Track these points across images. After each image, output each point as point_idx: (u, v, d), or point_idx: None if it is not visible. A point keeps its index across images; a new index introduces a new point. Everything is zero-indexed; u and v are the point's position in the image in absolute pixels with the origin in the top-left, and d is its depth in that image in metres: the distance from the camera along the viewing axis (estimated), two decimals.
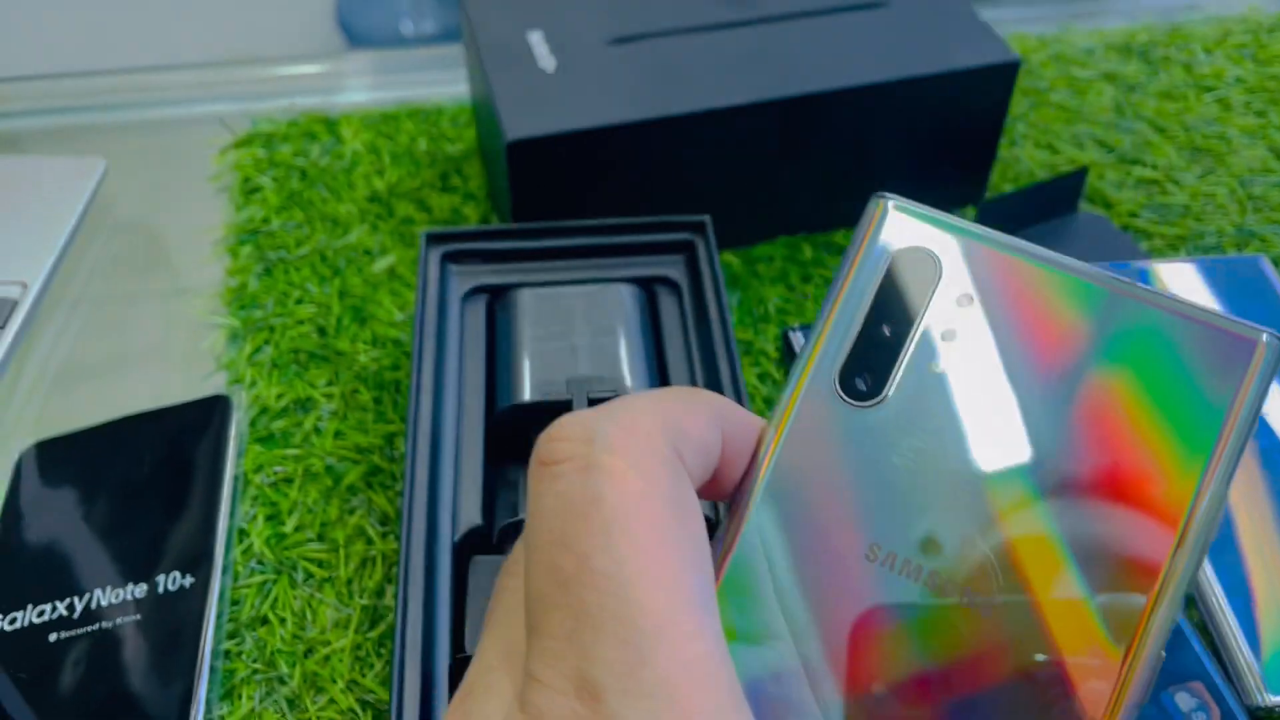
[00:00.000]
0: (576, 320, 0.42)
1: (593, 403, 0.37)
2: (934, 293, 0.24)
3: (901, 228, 0.25)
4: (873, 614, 0.23)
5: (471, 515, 0.38)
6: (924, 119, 0.52)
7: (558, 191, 0.49)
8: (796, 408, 0.24)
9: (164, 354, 0.51)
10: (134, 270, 0.55)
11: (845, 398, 0.24)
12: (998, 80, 0.51)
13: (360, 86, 0.65)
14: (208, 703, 0.36)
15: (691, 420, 0.23)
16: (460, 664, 0.34)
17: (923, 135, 0.52)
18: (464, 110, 0.61)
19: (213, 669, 0.37)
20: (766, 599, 0.23)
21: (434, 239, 0.45)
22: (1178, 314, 0.23)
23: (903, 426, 0.23)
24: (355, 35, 1.90)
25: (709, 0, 0.54)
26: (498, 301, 0.44)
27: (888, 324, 0.24)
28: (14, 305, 0.50)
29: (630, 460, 0.21)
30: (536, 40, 0.52)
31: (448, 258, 0.45)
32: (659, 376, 0.42)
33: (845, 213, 0.55)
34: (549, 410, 0.37)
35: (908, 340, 0.24)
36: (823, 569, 0.23)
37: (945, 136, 0.53)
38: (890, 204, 0.26)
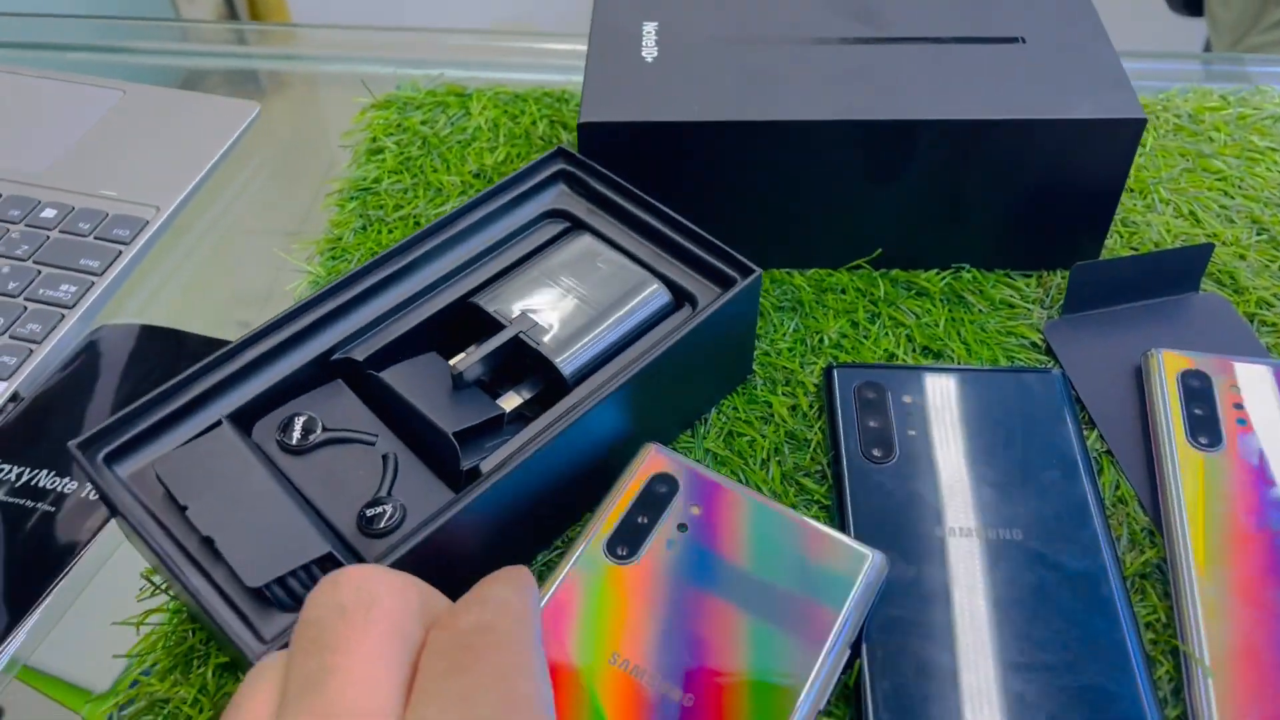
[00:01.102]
0: (593, 278, 0.44)
1: (516, 345, 0.42)
2: (674, 499, 0.40)
3: (658, 459, 0.41)
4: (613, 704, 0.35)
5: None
6: (1029, 166, 0.48)
7: (626, 178, 0.49)
8: (574, 560, 0.38)
9: (255, 291, 0.55)
10: (259, 210, 0.59)
11: (609, 558, 0.38)
12: (1118, 137, 0.47)
13: (511, 65, 0.67)
14: None
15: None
16: None
17: (1026, 183, 0.49)
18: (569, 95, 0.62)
19: None
20: None
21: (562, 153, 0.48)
22: (810, 529, 0.39)
23: (646, 579, 0.38)
24: None
25: (838, 15, 0.53)
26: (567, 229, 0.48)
27: (643, 515, 0.39)
28: (144, 225, 0.56)
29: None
30: (649, 30, 0.52)
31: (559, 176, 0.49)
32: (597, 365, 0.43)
33: (935, 253, 0.52)
34: (492, 323, 0.43)
35: (655, 526, 0.39)
36: (574, 668, 0.36)
37: (1052, 188, 0.49)
38: (653, 447, 0.41)
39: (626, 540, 0.38)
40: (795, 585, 0.37)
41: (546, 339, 0.41)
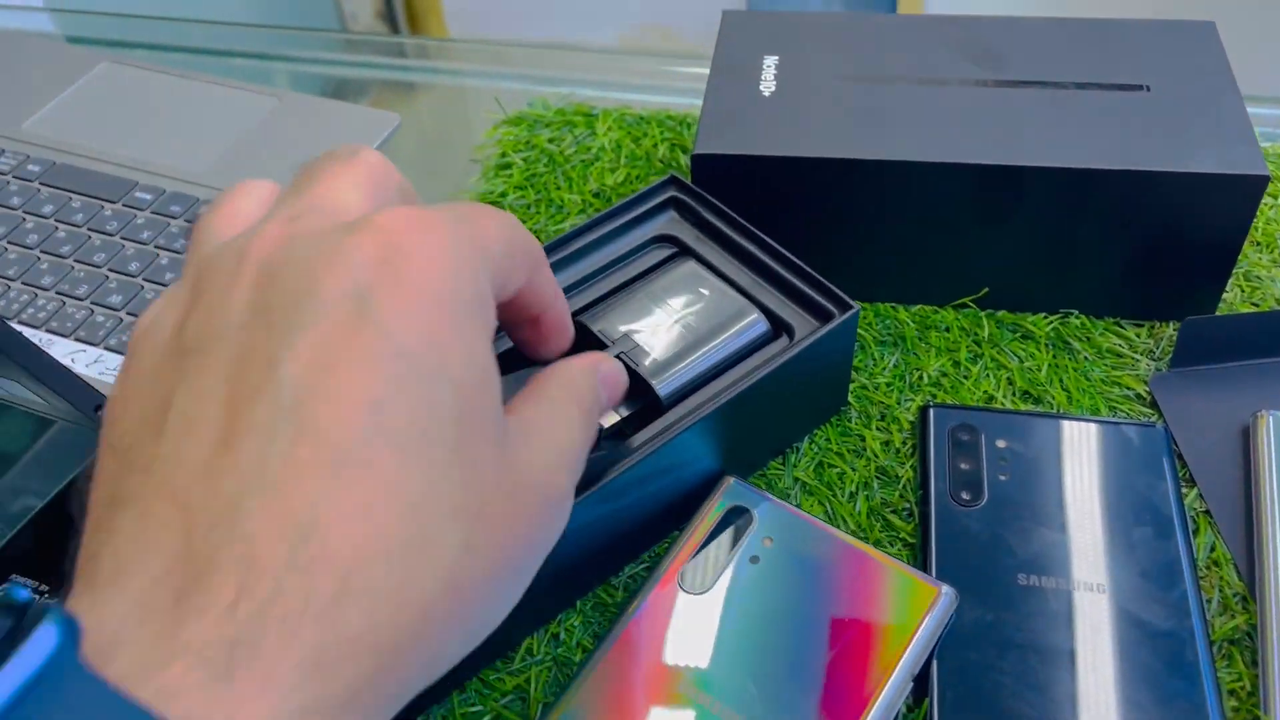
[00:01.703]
0: (695, 304, 0.45)
1: (627, 363, 0.43)
2: (748, 531, 0.42)
3: (735, 491, 0.43)
4: None
5: None
6: (1145, 216, 0.47)
7: (735, 209, 0.50)
8: (650, 590, 0.40)
9: None
10: None
11: (684, 588, 0.40)
12: (1239, 192, 0.46)
13: (638, 86, 0.70)
14: None
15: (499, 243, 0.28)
16: None
17: (1141, 232, 0.48)
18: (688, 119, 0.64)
19: None
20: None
21: (674, 181, 0.50)
22: (879, 561, 0.40)
23: (719, 610, 0.39)
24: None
25: (957, 54, 0.53)
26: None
27: (718, 546, 0.41)
28: None
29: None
30: (769, 64, 0.53)
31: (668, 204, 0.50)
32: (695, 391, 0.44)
33: (1044, 297, 0.52)
34: (597, 342, 0.44)
35: (729, 558, 0.41)
36: (648, 697, 0.38)
37: (1169, 239, 0.48)
38: (731, 479, 0.43)
39: (701, 571, 0.40)
40: (863, 616, 0.38)
41: (646, 361, 0.43)
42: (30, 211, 0.61)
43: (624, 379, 0.36)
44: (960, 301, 0.52)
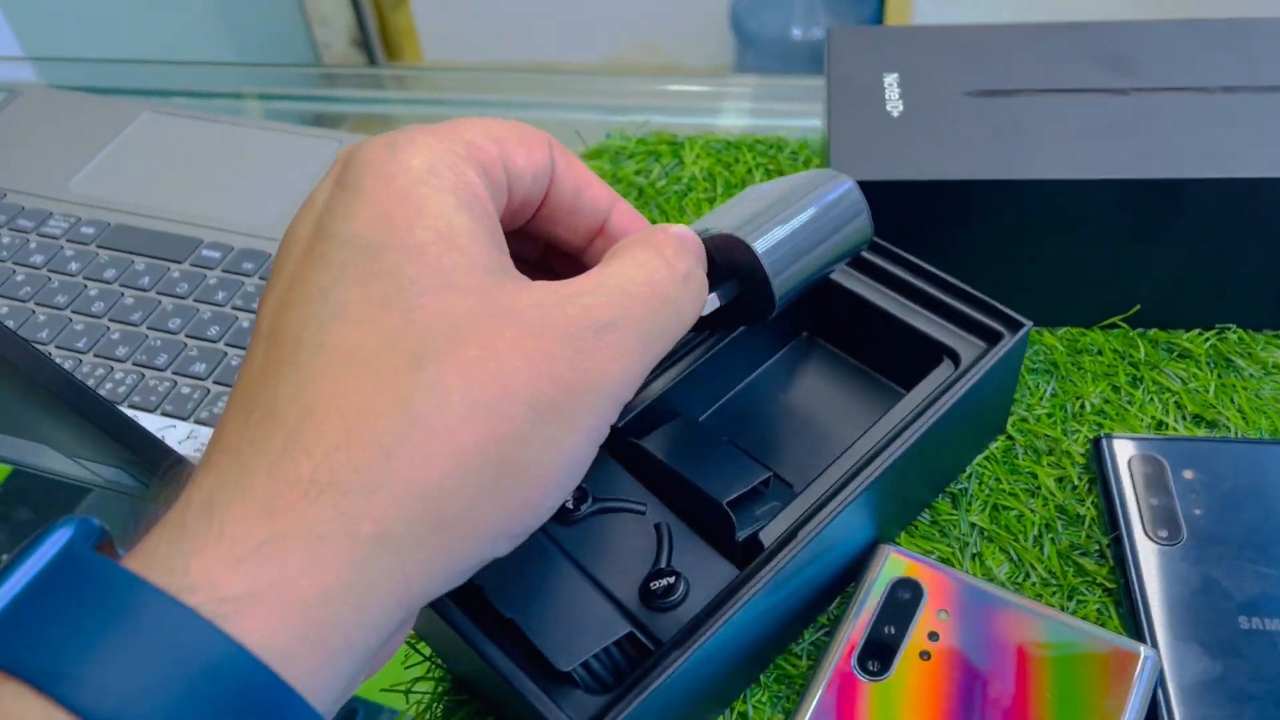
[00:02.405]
0: (766, 190, 0.37)
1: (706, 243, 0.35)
2: (920, 605, 0.39)
3: (897, 561, 0.40)
4: None
5: None
6: None
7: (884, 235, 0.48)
8: (827, 678, 0.38)
9: None
10: None
11: (862, 674, 0.37)
12: None
13: (713, 110, 0.67)
14: None
15: (515, 149, 0.29)
16: None
17: None
18: (804, 146, 0.61)
19: None
20: None
21: None
22: (1072, 627, 0.37)
23: (905, 695, 0.37)
24: (746, 36, 1.95)
25: (1087, 62, 0.50)
26: None
27: (890, 625, 0.38)
28: None
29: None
30: (890, 83, 0.50)
31: None
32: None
33: (1198, 312, 0.49)
34: None
35: (905, 637, 0.38)
36: None
37: None
38: (888, 549, 0.40)
39: (877, 654, 0.38)
40: (1064, 687, 0.36)
41: (725, 228, 0.35)
42: (92, 278, 0.57)
43: (696, 239, 0.33)
44: (1108, 322, 0.50)
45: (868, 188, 0.46)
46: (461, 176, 0.27)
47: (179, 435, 0.49)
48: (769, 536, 0.38)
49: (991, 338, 0.42)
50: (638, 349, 0.27)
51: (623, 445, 0.42)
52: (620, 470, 0.42)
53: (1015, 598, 0.38)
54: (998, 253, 0.48)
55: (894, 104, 0.49)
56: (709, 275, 0.34)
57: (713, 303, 0.34)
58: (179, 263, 0.58)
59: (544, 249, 0.36)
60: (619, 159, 0.62)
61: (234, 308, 0.55)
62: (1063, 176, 0.45)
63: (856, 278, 0.45)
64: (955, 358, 0.42)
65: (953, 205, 0.46)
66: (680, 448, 0.42)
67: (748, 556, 0.39)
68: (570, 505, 0.40)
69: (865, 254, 0.45)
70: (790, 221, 0.35)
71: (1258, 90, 0.48)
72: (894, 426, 0.40)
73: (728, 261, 0.35)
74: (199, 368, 0.52)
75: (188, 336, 0.54)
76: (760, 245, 0.34)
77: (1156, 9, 1.70)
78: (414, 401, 0.23)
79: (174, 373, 0.52)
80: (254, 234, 0.59)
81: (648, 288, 0.28)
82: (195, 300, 0.56)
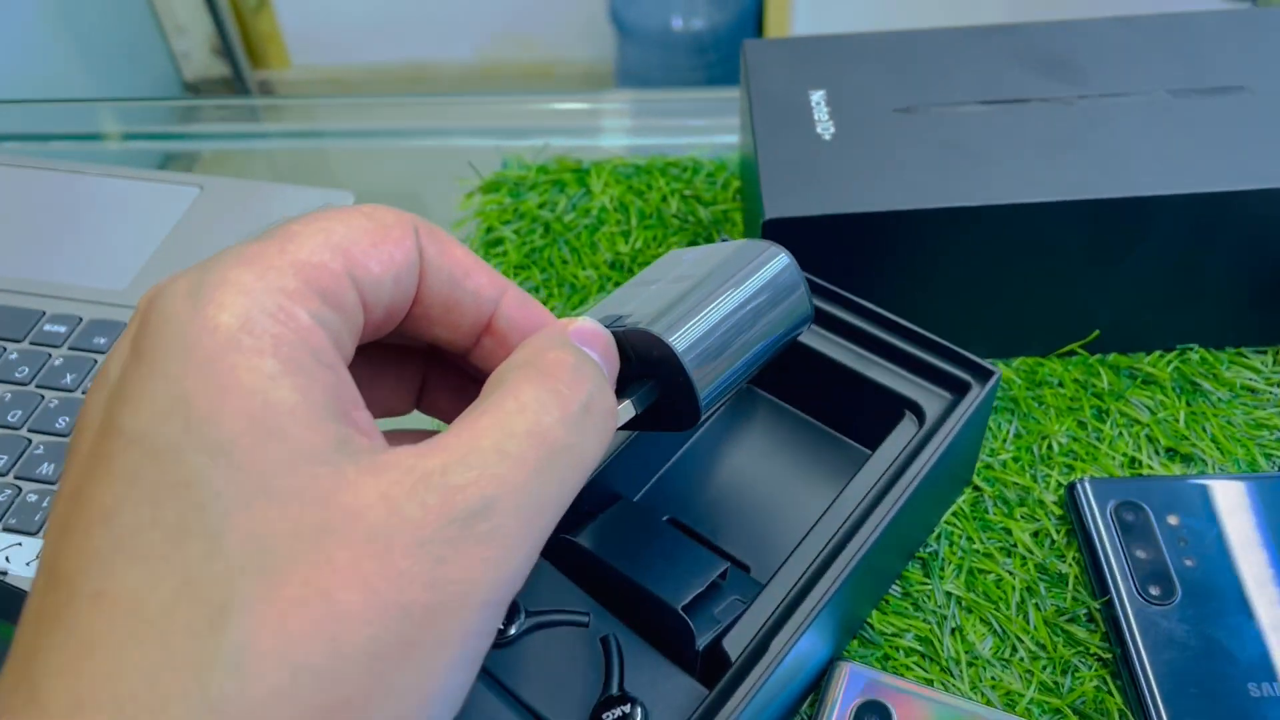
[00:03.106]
0: (695, 263, 0.32)
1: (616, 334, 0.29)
2: None
3: (858, 681, 0.36)
4: None
5: None
6: (1278, 235, 0.42)
7: (815, 273, 0.43)
8: None
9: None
10: None
11: None
12: None
13: (618, 130, 0.61)
14: None
15: (363, 258, 0.23)
16: None
17: (1274, 253, 0.43)
18: (721, 167, 0.56)
19: None
20: None
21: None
22: None
23: None
24: (625, 27, 1.90)
25: (1023, 68, 0.46)
26: None
27: None
28: None
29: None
30: (818, 100, 0.46)
31: None
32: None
33: (1158, 333, 0.46)
34: None
35: None
36: None
37: None
38: (846, 666, 0.36)
39: None
40: None
41: (638, 323, 0.29)
42: None
43: (605, 336, 0.27)
44: (1064, 350, 0.46)
45: (805, 223, 0.41)
46: (288, 324, 0.21)
47: (25, 556, 0.42)
48: (735, 645, 0.33)
49: (956, 387, 0.38)
50: (521, 531, 0.21)
51: (554, 542, 0.37)
52: (554, 573, 0.36)
53: (994, 714, 0.34)
54: (946, 284, 0.44)
55: (824, 125, 0.45)
56: (622, 374, 0.28)
57: (625, 413, 0.28)
58: (17, 341, 0.50)
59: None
60: (519, 190, 0.56)
61: (84, 392, 0.48)
62: (1017, 200, 0.41)
63: (809, 328, 0.41)
64: (919, 411, 0.38)
65: (897, 236, 0.42)
66: (621, 540, 0.36)
67: (712, 669, 0.34)
68: (499, 624, 0.35)
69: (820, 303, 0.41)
70: (716, 310, 0.29)
71: (1206, 92, 0.45)
72: (864, 496, 0.36)
73: (644, 358, 0.29)
74: (47, 469, 0.45)
75: (31, 431, 0.46)
76: (680, 342, 0.28)
77: (1030, 10, 1.71)
78: (212, 682, 0.18)
79: (16, 477, 0.45)
80: (106, 300, 0.51)
81: (533, 441, 0.22)
82: (38, 386, 0.48)
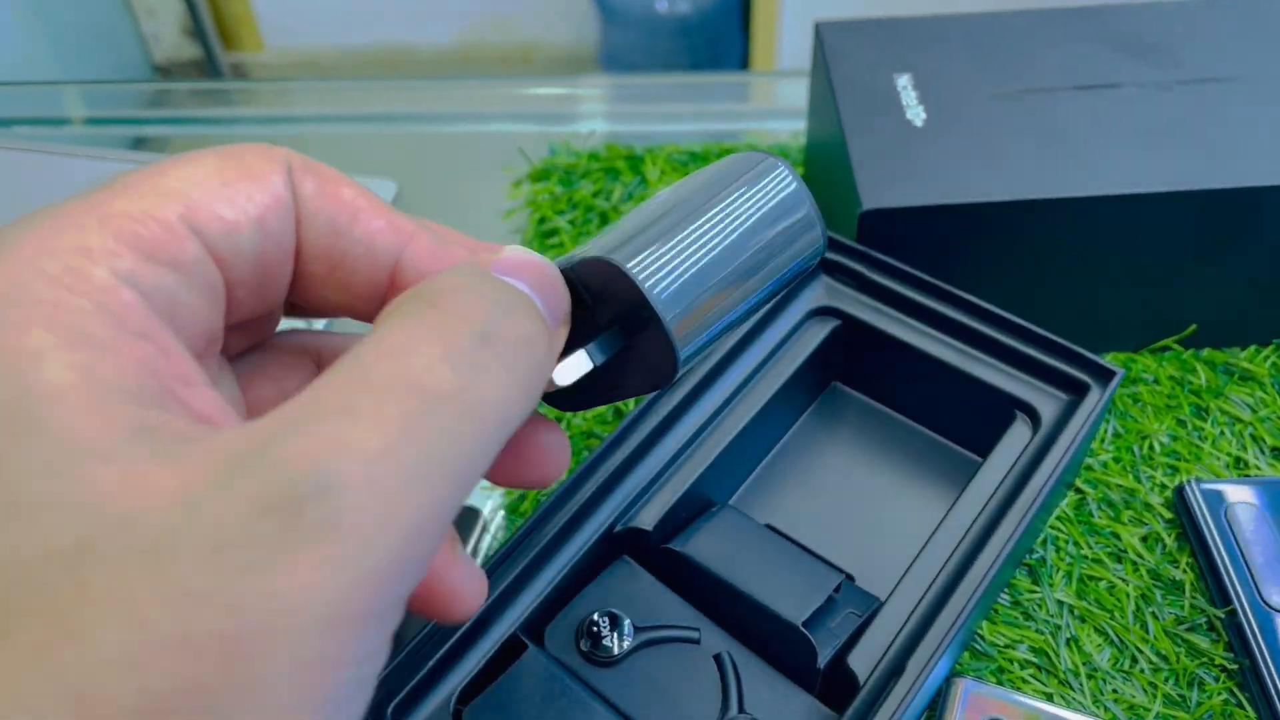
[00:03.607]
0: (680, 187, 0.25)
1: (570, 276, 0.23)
2: None
3: (978, 700, 0.33)
4: None
5: None
6: None
7: (910, 265, 0.41)
8: None
9: None
10: None
11: None
12: None
13: (667, 116, 0.59)
14: None
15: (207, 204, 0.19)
16: None
17: None
18: (782, 153, 0.54)
19: None
20: None
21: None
22: None
23: None
24: (609, 9, 1.87)
25: (1116, 52, 0.45)
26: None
27: None
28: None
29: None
30: (904, 85, 0.44)
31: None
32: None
33: (1256, 328, 0.44)
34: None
35: None
36: None
37: None
38: (962, 682, 0.34)
39: None
40: None
41: (595, 251, 0.23)
42: None
43: (540, 263, 0.21)
44: (1157, 345, 0.44)
45: (904, 214, 0.39)
46: (76, 287, 0.16)
47: None
48: (862, 664, 0.31)
49: (1073, 387, 0.36)
50: (384, 513, 0.15)
51: (658, 555, 0.35)
52: (662, 588, 0.34)
53: None
54: (1037, 276, 0.42)
55: (914, 110, 0.42)
56: (583, 327, 0.23)
57: (579, 365, 0.23)
58: None
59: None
60: (571, 178, 0.53)
61: None
62: (1124, 191, 0.39)
63: (898, 319, 0.39)
64: (1033, 414, 0.36)
65: (995, 228, 0.40)
66: (728, 552, 0.34)
67: (835, 688, 0.32)
68: (608, 642, 0.32)
69: (910, 294, 0.39)
70: (692, 233, 0.23)
71: None
72: (983, 506, 0.34)
73: (605, 300, 0.23)
74: None
75: None
76: (639, 269, 0.22)
77: None
78: None
79: None
80: None
81: (397, 390, 0.16)
82: None
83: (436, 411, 0.16)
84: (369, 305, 0.21)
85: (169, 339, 0.17)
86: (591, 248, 0.22)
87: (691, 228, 0.23)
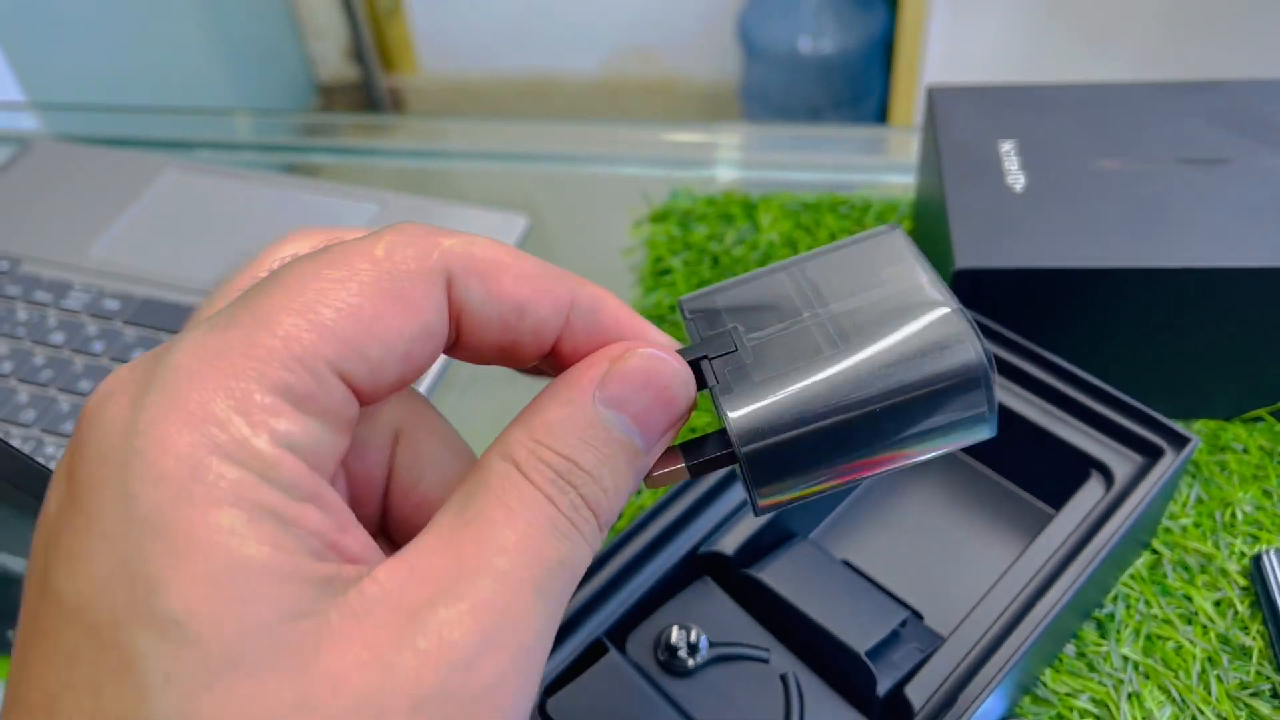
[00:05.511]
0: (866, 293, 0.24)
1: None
2: None
3: None
4: None
5: None
6: None
7: (1001, 324, 0.43)
8: None
9: None
10: None
11: None
12: None
13: (785, 165, 0.62)
14: None
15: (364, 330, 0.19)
16: None
17: None
18: (891, 208, 0.56)
19: None
20: None
21: None
22: None
23: None
24: (753, 46, 1.91)
25: (1227, 129, 0.46)
26: None
27: None
28: None
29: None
30: (1008, 151, 0.46)
31: None
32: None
33: None
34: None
35: None
36: None
37: None
38: None
39: None
40: None
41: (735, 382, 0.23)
42: (119, 359, 0.52)
43: (655, 386, 0.21)
44: (1250, 415, 0.45)
45: (995, 275, 0.41)
46: (248, 461, 0.17)
47: None
48: (919, 694, 0.33)
49: (1148, 450, 0.38)
50: (520, 670, 0.18)
51: (736, 579, 0.37)
52: (737, 609, 0.37)
53: None
54: (1132, 341, 0.43)
55: (1014, 176, 0.45)
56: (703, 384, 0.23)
57: (670, 475, 0.23)
58: None
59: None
60: (688, 221, 0.57)
61: None
62: (1216, 265, 0.40)
63: None
64: (1107, 473, 0.38)
65: (1087, 293, 0.42)
66: (803, 581, 0.37)
67: (892, 716, 0.34)
68: (683, 654, 0.36)
69: (997, 350, 0.41)
70: (826, 405, 0.21)
71: None
72: (1050, 556, 0.36)
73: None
74: None
75: None
76: (751, 441, 0.21)
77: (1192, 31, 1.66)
78: None
79: None
80: None
81: (528, 558, 0.19)
82: None
83: (558, 575, 0.19)
84: (532, 362, 0.23)
85: (327, 493, 0.18)
86: (733, 343, 0.23)
87: (840, 403, 0.21)
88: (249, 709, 0.16)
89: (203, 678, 0.16)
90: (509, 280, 0.21)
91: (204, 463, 0.17)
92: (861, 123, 1.86)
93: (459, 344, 0.21)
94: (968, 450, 0.43)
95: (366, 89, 2.13)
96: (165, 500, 0.16)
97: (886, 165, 0.60)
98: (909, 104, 1.85)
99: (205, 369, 0.18)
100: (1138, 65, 1.57)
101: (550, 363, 0.23)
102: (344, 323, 0.19)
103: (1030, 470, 0.41)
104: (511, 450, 0.20)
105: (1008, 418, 0.40)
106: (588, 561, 0.20)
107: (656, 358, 0.21)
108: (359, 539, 0.19)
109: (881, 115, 1.90)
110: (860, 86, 1.92)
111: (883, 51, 1.88)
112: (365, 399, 0.20)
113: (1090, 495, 0.38)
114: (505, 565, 0.18)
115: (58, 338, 0.53)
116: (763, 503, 0.22)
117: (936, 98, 0.48)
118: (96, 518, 0.17)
